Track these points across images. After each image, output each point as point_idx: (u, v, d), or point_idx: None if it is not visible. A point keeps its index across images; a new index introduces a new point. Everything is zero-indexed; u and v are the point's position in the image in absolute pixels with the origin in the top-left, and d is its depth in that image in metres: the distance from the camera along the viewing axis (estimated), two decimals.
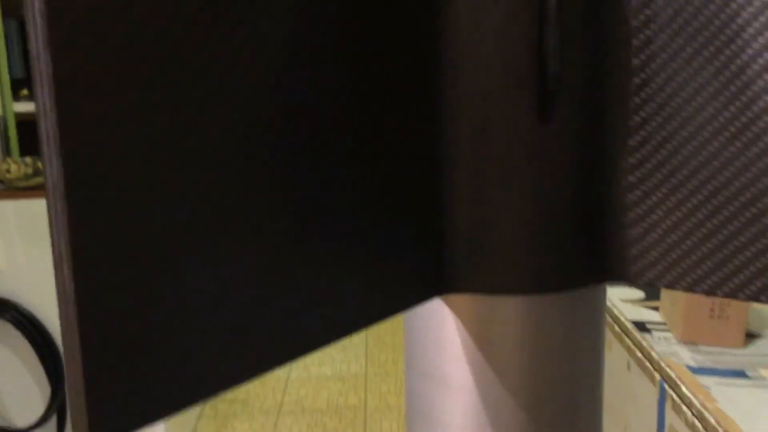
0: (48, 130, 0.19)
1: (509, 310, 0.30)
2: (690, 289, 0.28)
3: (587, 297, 0.31)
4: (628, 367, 1.72)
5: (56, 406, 1.98)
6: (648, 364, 1.59)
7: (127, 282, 0.22)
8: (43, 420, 1.96)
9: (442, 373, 0.33)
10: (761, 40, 0.25)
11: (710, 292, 0.27)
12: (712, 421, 1.28)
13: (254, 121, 0.23)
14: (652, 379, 1.57)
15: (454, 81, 0.27)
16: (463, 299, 0.31)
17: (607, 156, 0.28)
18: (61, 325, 0.21)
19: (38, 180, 1.93)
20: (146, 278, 0.22)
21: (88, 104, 0.20)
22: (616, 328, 1.82)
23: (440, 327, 0.32)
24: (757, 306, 1.70)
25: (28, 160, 2.06)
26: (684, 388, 1.40)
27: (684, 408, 1.39)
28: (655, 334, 1.64)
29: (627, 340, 1.72)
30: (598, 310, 0.32)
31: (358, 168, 0.26)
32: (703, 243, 0.27)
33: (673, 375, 1.45)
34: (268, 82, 0.23)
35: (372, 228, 0.27)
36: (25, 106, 2.64)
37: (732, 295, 0.27)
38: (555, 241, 0.28)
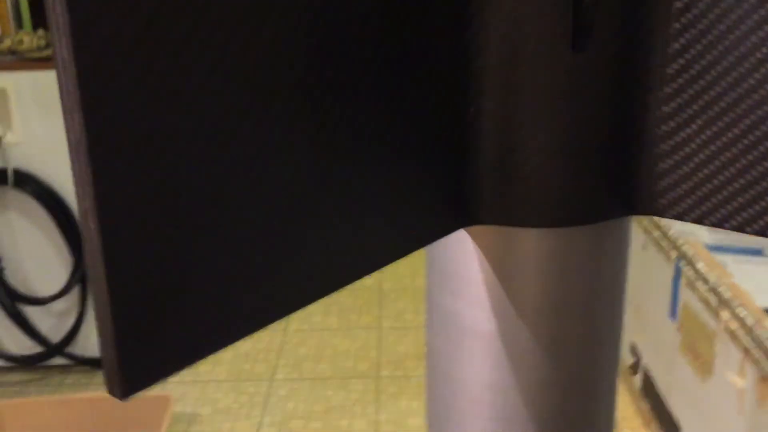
0: (67, 85, 0.19)
1: (534, 242, 0.30)
2: (719, 225, 0.27)
3: (614, 228, 0.31)
4: (644, 248, 1.72)
5: (78, 276, 2.03)
6: (664, 243, 1.59)
7: (156, 233, 0.22)
8: (65, 290, 2.02)
9: (460, 308, 0.33)
10: None
11: (738, 229, 0.27)
12: (727, 295, 1.28)
13: (279, 52, 0.23)
14: (667, 257, 1.57)
15: (482, 6, 0.26)
16: (486, 231, 0.30)
17: (642, 85, 0.27)
18: (90, 278, 0.21)
19: (51, 51, 1.90)
20: (174, 225, 0.22)
21: (109, 57, 0.19)
22: None
23: (462, 259, 0.32)
24: None
25: (41, 32, 2.03)
26: (700, 265, 1.40)
27: (699, 284, 1.39)
28: None
29: (644, 220, 1.71)
30: (624, 241, 0.32)
31: (381, 98, 0.25)
32: (736, 179, 0.26)
33: (689, 253, 1.46)
34: (295, 9, 0.22)
35: (396, 159, 0.26)
36: None
37: (761, 233, 0.27)
38: (584, 172, 0.28)
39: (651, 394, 1.69)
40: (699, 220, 0.28)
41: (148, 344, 0.22)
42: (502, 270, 0.31)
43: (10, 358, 2.08)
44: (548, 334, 0.32)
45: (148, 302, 0.22)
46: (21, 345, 2.07)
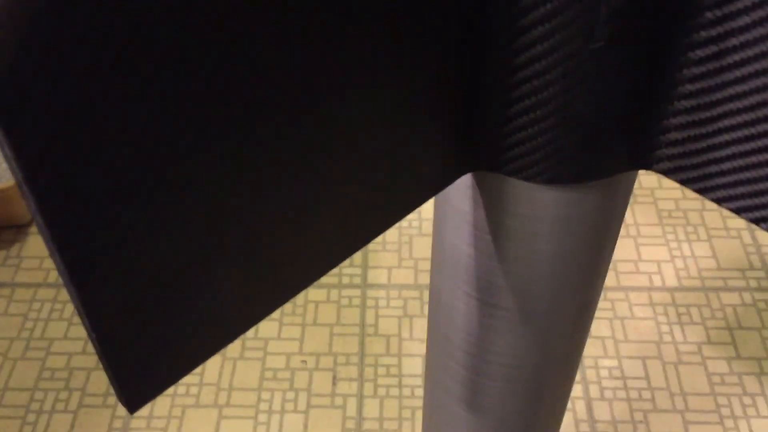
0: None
1: (543, 195, 0.30)
2: (720, 203, 0.27)
3: (619, 183, 0.31)
4: None
5: None
6: None
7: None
8: None
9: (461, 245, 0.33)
10: None
11: (736, 212, 0.27)
12: None
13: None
14: None
15: None
16: (495, 181, 0.30)
17: (663, 67, 0.26)
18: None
19: None
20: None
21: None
22: None
23: (470, 208, 0.32)
24: None
25: None
26: None
27: None
28: None
29: None
30: (626, 195, 0.32)
31: (392, 58, 0.24)
32: (745, 170, 0.26)
33: None
34: None
35: (403, 116, 0.26)
36: None
37: (756, 221, 0.27)
38: (599, 136, 0.27)
39: None
40: (702, 192, 0.28)
41: (144, 372, 0.21)
42: (508, 218, 0.31)
43: None
44: (550, 278, 0.33)
45: (138, 331, 0.21)
46: None
